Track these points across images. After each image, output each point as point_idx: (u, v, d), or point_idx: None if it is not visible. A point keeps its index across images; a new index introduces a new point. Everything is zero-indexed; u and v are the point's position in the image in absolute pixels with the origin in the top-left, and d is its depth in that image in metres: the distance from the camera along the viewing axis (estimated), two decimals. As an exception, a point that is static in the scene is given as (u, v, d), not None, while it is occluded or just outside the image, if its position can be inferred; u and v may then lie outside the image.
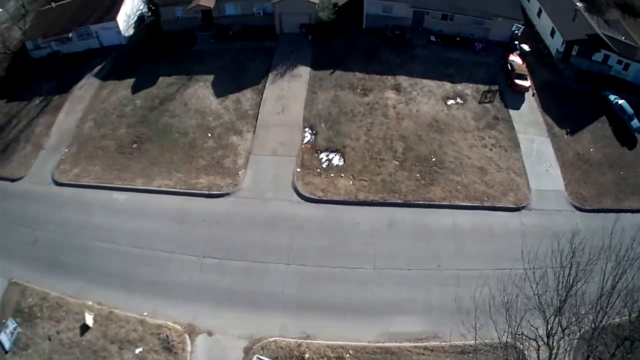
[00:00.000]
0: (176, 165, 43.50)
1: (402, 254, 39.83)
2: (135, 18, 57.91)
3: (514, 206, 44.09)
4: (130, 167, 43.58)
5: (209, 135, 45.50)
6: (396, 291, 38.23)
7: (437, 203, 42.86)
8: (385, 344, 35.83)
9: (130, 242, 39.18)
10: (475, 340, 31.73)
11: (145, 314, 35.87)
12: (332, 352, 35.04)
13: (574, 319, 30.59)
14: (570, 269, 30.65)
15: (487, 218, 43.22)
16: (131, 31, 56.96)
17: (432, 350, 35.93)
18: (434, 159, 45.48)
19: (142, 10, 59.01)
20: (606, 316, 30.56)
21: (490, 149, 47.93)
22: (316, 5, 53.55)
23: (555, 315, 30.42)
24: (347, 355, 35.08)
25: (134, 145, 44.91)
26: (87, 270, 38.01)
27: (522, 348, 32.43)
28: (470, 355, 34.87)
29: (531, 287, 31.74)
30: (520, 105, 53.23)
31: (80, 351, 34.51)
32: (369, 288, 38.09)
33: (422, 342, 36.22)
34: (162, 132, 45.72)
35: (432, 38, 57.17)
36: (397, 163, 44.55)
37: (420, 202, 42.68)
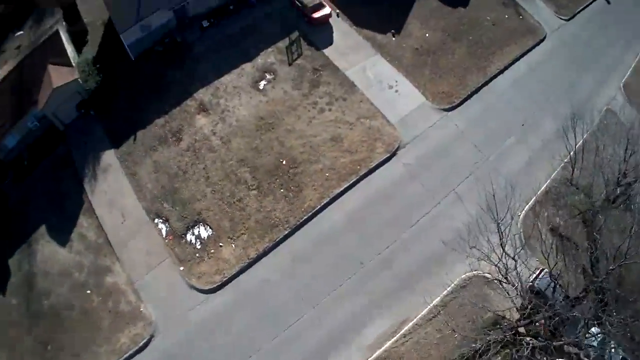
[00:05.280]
0: (91, 341, 39.52)
1: (323, 277, 38.84)
2: None
3: (388, 155, 41.86)
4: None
5: (88, 292, 41.22)
6: (343, 313, 37.60)
7: (318, 207, 40.24)
8: (374, 356, 36.50)
9: None
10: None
11: None
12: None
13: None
14: None
15: (371, 184, 41.15)
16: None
17: (410, 333, 37.00)
18: (284, 162, 41.87)
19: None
20: None
21: (329, 110, 43.94)
22: (78, 80, 45.97)
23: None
24: None
25: (49, 348, 40.48)
26: None
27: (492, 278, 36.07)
28: (441, 313, 37.19)
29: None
30: (331, 38, 47.43)
31: None
32: (323, 324, 37.30)
33: (398, 334, 36.94)
34: (55, 318, 41.20)
35: (205, 23, 49.32)
36: (255, 192, 40.89)
37: (304, 218, 40.09)
